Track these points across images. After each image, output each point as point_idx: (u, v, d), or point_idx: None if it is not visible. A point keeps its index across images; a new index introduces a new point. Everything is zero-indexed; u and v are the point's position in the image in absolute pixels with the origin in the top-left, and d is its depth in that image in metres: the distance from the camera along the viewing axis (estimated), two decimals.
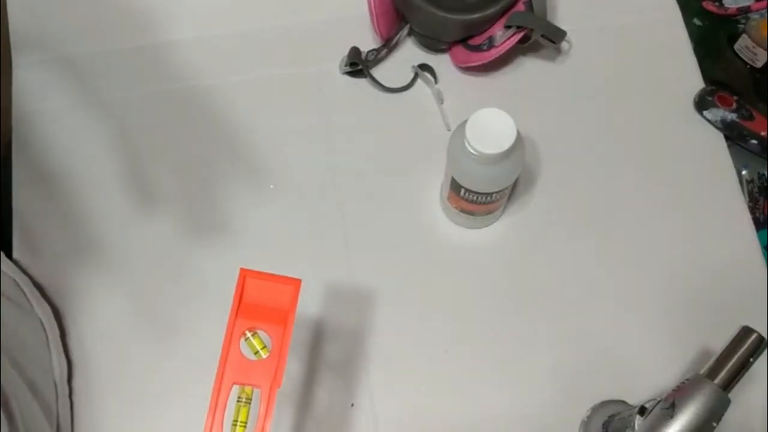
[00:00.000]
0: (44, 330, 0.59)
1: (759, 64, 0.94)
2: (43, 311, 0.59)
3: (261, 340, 0.46)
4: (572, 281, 0.63)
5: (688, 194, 0.65)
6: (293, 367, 0.60)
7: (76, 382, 0.59)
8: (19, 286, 0.59)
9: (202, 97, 0.69)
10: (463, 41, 0.68)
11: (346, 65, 0.69)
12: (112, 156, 0.66)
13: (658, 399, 0.48)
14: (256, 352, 0.46)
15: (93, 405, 0.59)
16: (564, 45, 0.68)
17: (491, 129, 0.52)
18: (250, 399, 0.45)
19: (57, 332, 0.59)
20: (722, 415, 0.45)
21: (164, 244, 0.64)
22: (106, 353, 0.60)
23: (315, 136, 0.68)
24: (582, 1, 0.72)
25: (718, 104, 0.67)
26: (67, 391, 0.58)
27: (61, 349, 0.59)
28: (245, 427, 0.44)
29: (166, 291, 0.62)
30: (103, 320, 0.61)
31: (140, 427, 0.58)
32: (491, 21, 0.65)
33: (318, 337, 0.61)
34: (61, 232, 0.64)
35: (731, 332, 0.48)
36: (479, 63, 0.66)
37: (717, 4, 0.99)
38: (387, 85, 0.69)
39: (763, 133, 0.71)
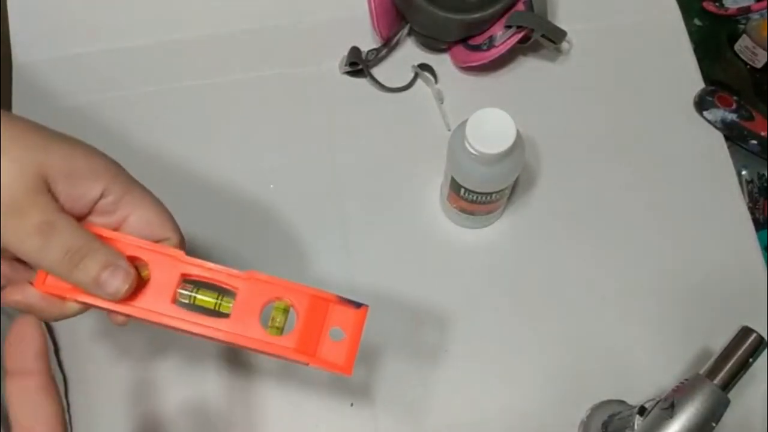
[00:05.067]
0: None
1: (759, 65, 0.95)
2: None
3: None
4: (572, 281, 0.63)
5: (688, 194, 0.65)
6: (292, 367, 0.60)
7: (73, 397, 0.59)
8: None
9: (201, 97, 0.69)
10: (463, 41, 0.68)
11: (346, 65, 0.69)
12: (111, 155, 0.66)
13: (658, 399, 0.48)
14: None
15: (91, 419, 0.58)
16: (564, 45, 0.68)
17: (491, 129, 0.52)
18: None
19: (51, 346, 0.59)
20: (722, 415, 0.45)
21: None
22: (101, 368, 0.60)
23: (315, 136, 0.68)
24: (582, 1, 0.72)
25: (718, 104, 0.68)
26: (65, 406, 0.57)
27: (56, 363, 0.58)
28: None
29: None
30: (96, 335, 0.61)
31: None
32: (491, 21, 0.65)
33: None
34: None
35: (731, 332, 0.48)
36: (479, 63, 0.66)
37: (717, 4, 0.99)
38: (387, 84, 0.69)
39: (763, 134, 0.71)
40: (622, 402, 0.57)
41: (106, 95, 0.69)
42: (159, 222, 0.41)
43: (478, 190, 0.56)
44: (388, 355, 0.60)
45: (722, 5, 0.99)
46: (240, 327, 0.39)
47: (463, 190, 0.57)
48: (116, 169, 0.41)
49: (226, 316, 0.40)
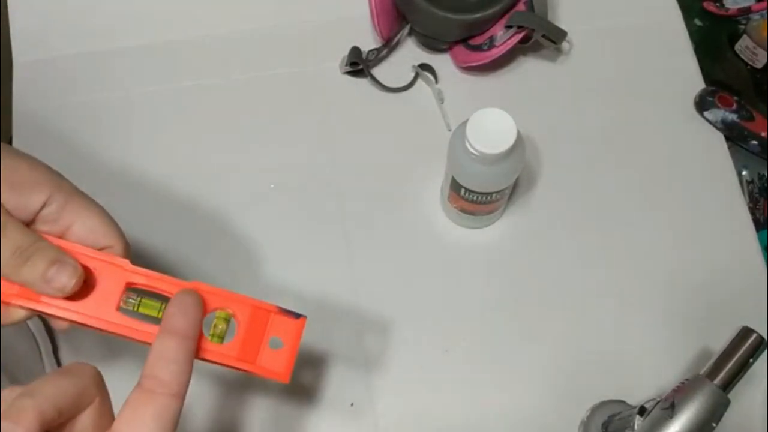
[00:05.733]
0: (37, 344, 0.58)
1: (759, 65, 0.95)
2: (35, 325, 0.59)
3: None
4: (572, 281, 0.63)
5: (688, 194, 0.65)
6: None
7: None
8: None
9: (202, 96, 0.69)
10: (463, 41, 0.68)
11: (346, 65, 0.69)
12: (112, 155, 0.66)
13: (658, 399, 0.48)
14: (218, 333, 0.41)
15: None
16: (564, 45, 0.68)
17: (491, 129, 0.52)
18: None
19: (50, 346, 0.59)
20: (722, 415, 0.45)
21: (164, 245, 0.64)
22: (99, 366, 0.60)
23: (315, 135, 0.68)
24: (582, 1, 0.72)
25: (719, 105, 0.67)
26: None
27: (54, 362, 0.59)
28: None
29: None
30: (94, 334, 0.61)
31: None
32: (492, 21, 0.65)
33: (317, 337, 0.61)
34: None
35: (731, 332, 0.48)
36: (480, 63, 0.66)
37: (717, 4, 0.99)
38: (387, 84, 0.69)
39: (763, 134, 0.71)
40: (622, 402, 0.57)
41: (105, 95, 0.69)
42: (102, 230, 0.42)
43: (479, 190, 0.56)
44: (388, 354, 0.60)
45: (722, 5, 0.99)
46: None
47: (463, 190, 0.57)
48: (59, 179, 0.42)
49: None
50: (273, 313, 0.42)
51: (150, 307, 0.41)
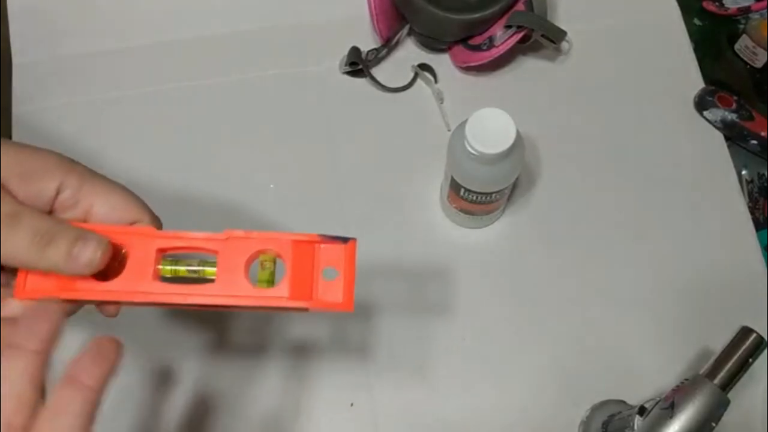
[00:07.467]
0: None
1: (759, 65, 0.94)
2: None
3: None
4: (572, 281, 0.63)
5: (688, 194, 0.65)
6: (290, 366, 0.60)
7: None
8: None
9: (202, 96, 0.69)
10: (463, 41, 0.68)
11: (346, 65, 0.69)
12: (111, 155, 0.66)
13: (658, 399, 0.48)
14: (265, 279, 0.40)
15: None
16: (564, 45, 0.68)
17: (491, 129, 0.52)
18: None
19: None
20: (721, 415, 0.46)
21: None
22: None
23: (315, 135, 0.68)
24: (582, 1, 0.72)
25: (718, 104, 0.68)
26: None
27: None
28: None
29: None
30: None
31: None
32: (491, 21, 0.65)
33: (317, 337, 0.61)
34: None
35: (731, 332, 0.48)
36: (479, 63, 0.66)
37: (717, 4, 0.99)
38: (387, 84, 0.69)
39: (763, 133, 0.71)
40: (622, 402, 0.57)
41: (105, 95, 0.69)
42: (125, 206, 0.41)
43: (478, 190, 0.56)
44: (388, 354, 0.60)
45: (722, 5, 0.99)
46: (228, 288, 0.38)
47: (463, 190, 0.57)
48: (70, 163, 0.41)
49: (212, 282, 0.39)
50: (317, 243, 0.39)
51: (188, 269, 0.39)
